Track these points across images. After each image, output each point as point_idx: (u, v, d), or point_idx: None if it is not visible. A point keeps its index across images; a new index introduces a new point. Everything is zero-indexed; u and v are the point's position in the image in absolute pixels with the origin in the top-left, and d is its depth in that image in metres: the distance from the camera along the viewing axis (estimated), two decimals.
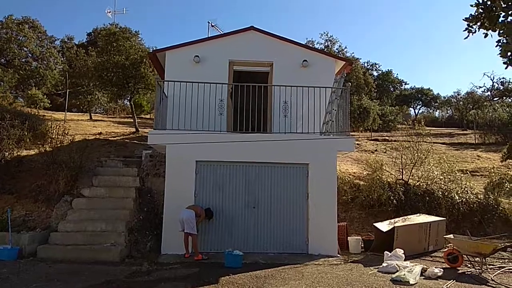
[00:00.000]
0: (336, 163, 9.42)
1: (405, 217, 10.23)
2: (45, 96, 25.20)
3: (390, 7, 70.86)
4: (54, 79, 26.87)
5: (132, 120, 19.50)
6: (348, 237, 9.85)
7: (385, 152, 17.73)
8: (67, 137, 11.76)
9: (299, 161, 9.22)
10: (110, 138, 15.16)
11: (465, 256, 8.06)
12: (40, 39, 29.31)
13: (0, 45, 26.02)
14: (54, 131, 11.61)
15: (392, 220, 9.85)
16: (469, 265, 8.14)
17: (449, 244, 9.96)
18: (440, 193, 11.52)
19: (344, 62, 11.26)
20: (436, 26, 70.87)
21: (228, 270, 7.31)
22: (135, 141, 14.37)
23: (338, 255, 8.96)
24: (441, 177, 12.05)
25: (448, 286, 6.61)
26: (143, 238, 8.98)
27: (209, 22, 16.87)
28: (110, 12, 24.82)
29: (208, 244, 8.77)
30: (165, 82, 10.29)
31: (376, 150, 18.35)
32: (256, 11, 74.56)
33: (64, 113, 24.18)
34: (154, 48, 11.32)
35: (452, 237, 8.51)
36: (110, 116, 30.79)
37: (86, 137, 14.46)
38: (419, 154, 12.18)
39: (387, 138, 23.33)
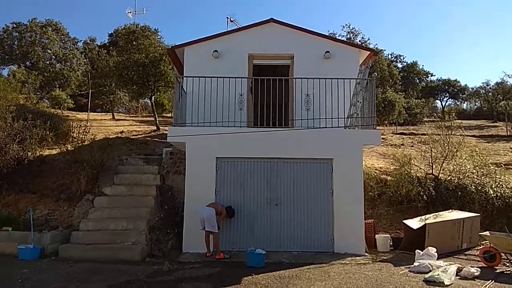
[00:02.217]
0: (362, 158, 8.99)
1: (437, 213, 9.71)
2: (68, 97, 25.66)
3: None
4: (77, 80, 27.34)
5: (153, 119, 19.55)
6: (376, 235, 9.42)
7: (412, 146, 17.08)
8: (88, 136, 11.77)
9: (323, 156, 8.85)
10: (131, 137, 15.16)
11: (503, 254, 7.53)
12: (63, 41, 29.88)
13: (25, 49, 26.68)
14: (76, 130, 11.62)
15: (423, 217, 9.36)
16: (507, 264, 7.61)
17: (484, 242, 9.42)
18: (473, 187, 10.89)
19: (369, 52, 10.80)
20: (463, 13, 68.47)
21: (250, 269, 7.05)
22: (156, 139, 14.32)
23: (366, 253, 8.56)
24: (474, 171, 11.42)
25: (487, 287, 6.15)
26: (164, 237, 8.82)
27: (228, 17, 16.70)
28: (130, 12, 24.98)
29: (230, 243, 8.52)
30: (184, 78, 10.15)
31: (402, 144, 17.70)
32: (276, 5, 73.97)
33: (87, 113, 24.62)
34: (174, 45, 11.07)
35: (489, 234, 7.97)
36: (133, 115, 31.09)
37: (108, 136, 14.47)
38: (450, 147, 11.57)
39: (413, 131, 22.58)
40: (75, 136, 11.60)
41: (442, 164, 11.64)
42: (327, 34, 10.82)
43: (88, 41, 33.93)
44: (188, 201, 8.60)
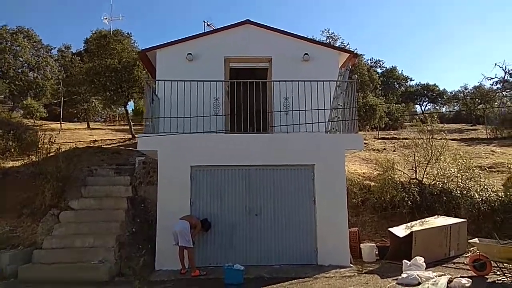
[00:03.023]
0: (345, 163, 8.58)
1: (422, 220, 9.36)
2: (41, 107, 24.63)
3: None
4: (52, 89, 26.33)
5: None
6: (361, 244, 9.00)
7: (394, 151, 16.86)
8: (55, 146, 11.02)
9: (303, 162, 8.38)
10: (104, 146, 14.43)
11: (493, 262, 7.18)
12: (35, 48, 28.82)
13: None
14: (42, 140, 10.87)
15: (409, 224, 8.99)
16: (498, 273, 7.26)
17: (472, 248, 9.11)
18: (458, 192, 10.62)
19: (349, 54, 10.46)
20: (439, 18, 69.87)
21: (228, 287, 6.49)
22: (130, 148, 13.61)
23: (351, 265, 8.10)
24: (458, 175, 11.16)
25: None
26: (136, 253, 8.18)
27: (204, 21, 16.10)
28: (106, 18, 24.26)
29: (206, 258, 7.91)
30: (156, 83, 9.60)
31: (384, 149, 17.48)
32: (256, 12, 74.00)
33: (62, 123, 23.64)
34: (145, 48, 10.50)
35: (478, 241, 7.63)
36: (110, 124, 30.17)
37: (77, 146, 13.69)
38: (433, 151, 11.30)
39: (395, 136, 22.48)
40: (40, 146, 10.82)
41: (425, 168, 11.35)
42: (305, 36, 10.38)
43: (63, 49, 32.95)
44: (161, 214, 7.99)
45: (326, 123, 8.93)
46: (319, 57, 10.22)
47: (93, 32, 15.66)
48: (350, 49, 10.44)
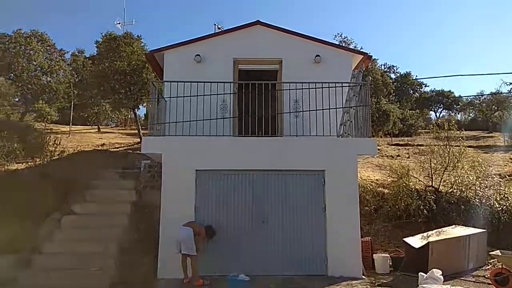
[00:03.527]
0: (357, 169, 8.17)
1: (439, 229, 8.89)
2: (52, 110, 24.71)
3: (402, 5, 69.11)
4: (65, 93, 26.44)
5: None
6: (374, 255, 8.56)
7: (408, 157, 16.35)
8: (61, 149, 10.83)
9: (313, 167, 7.99)
10: (112, 149, 14.26)
11: None
12: (49, 52, 29.05)
13: (8, 60, 25.80)
14: (48, 143, 10.70)
15: (425, 234, 8.52)
16: None
17: (492, 261, 8.60)
18: (477, 200, 10.11)
19: (362, 56, 10.06)
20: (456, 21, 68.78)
21: None
22: (138, 152, 13.40)
23: (363, 276, 7.67)
24: (476, 183, 10.64)
25: None
26: (138, 260, 7.85)
27: (215, 24, 15.87)
28: (119, 23, 24.27)
29: (210, 267, 7.50)
30: (164, 84, 9.38)
31: (398, 155, 16.98)
32: (266, 15, 73.92)
33: (73, 126, 23.69)
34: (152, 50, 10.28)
35: (500, 253, 7.14)
36: (121, 128, 30.19)
37: (86, 149, 13.55)
38: (450, 157, 10.80)
39: (409, 142, 21.93)
40: (46, 149, 10.66)
41: (442, 176, 10.86)
42: (317, 38, 10.03)
43: (77, 53, 33.20)
44: (164, 220, 7.67)
45: (338, 127, 8.57)
46: (331, 59, 9.85)
47: (103, 34, 15.55)
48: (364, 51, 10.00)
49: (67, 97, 25.40)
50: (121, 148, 14.79)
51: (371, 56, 10.13)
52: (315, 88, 8.17)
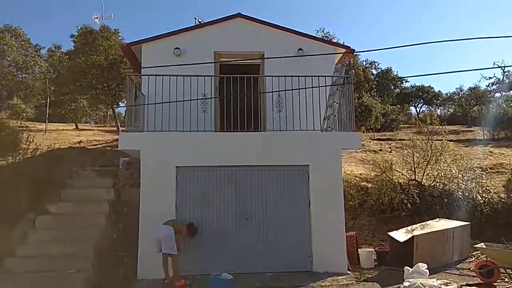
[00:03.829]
0: (341, 164, 8.04)
1: (423, 223, 8.86)
2: (28, 107, 23.93)
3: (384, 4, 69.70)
4: (40, 88, 25.63)
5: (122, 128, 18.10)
6: (359, 249, 8.46)
7: (390, 152, 16.39)
8: (36, 147, 10.36)
9: (297, 162, 7.83)
10: (89, 147, 13.79)
11: (501, 269, 6.68)
12: (24, 47, 28.11)
13: None
14: (21, 141, 10.22)
15: (409, 228, 8.48)
16: (507, 280, 6.76)
17: (475, 253, 8.63)
18: (460, 193, 10.15)
19: (345, 50, 9.95)
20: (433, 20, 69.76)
21: None
22: (116, 149, 12.98)
23: (348, 271, 7.57)
24: (459, 176, 10.70)
25: None
26: (117, 261, 7.57)
27: (195, 18, 15.53)
28: (97, 18, 23.59)
29: (193, 266, 7.24)
30: (142, 78, 9.07)
31: (381, 150, 17.00)
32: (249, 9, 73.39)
33: (50, 123, 22.90)
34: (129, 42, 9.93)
35: (484, 246, 7.14)
36: (100, 125, 29.47)
37: (62, 146, 13.05)
38: (432, 151, 10.81)
39: (390, 137, 22.08)
40: (20, 147, 10.19)
41: (425, 169, 10.87)
42: (300, 31, 9.86)
43: (53, 48, 32.24)
44: (144, 219, 7.38)
45: (321, 121, 8.43)
46: (314, 53, 9.69)
47: (79, 28, 15.00)
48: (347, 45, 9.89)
49: (43, 93, 24.64)
50: (99, 146, 14.31)
51: (354, 50, 10.03)
52: (298, 81, 7.98)
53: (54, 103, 23.39)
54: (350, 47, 9.88)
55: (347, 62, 9.25)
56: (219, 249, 7.48)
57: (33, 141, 10.42)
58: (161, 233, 6.73)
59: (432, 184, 10.60)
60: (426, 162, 10.78)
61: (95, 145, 14.62)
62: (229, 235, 7.57)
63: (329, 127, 8.24)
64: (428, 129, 11.75)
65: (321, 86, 7.88)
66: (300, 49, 9.62)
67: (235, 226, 7.61)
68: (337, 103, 8.31)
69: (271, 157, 7.79)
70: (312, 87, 8.00)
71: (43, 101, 25.94)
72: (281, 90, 8.16)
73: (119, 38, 15.55)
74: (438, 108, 42.16)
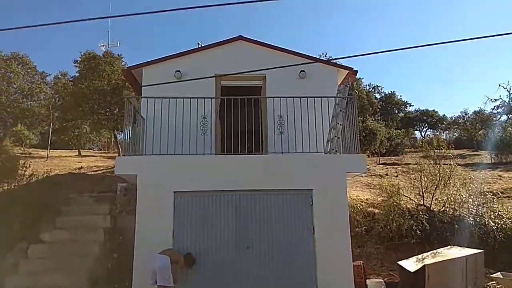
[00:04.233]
0: (346, 188, 7.69)
1: (434, 251, 8.42)
2: (32, 134, 23.92)
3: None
4: (44, 115, 25.71)
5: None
6: (367, 280, 8.01)
7: (396, 176, 16.02)
8: (32, 173, 10.12)
9: (300, 186, 7.47)
10: (89, 173, 13.56)
11: None
12: (30, 75, 28.39)
13: None
14: (17, 167, 10.00)
15: (420, 256, 8.04)
16: None
17: (491, 283, 8.13)
18: (471, 219, 9.70)
19: (348, 71, 9.78)
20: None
21: None
22: (116, 175, 12.74)
23: None
24: (469, 200, 10.28)
25: None
26: None
27: (199, 43, 15.59)
28: (103, 46, 23.84)
29: None
30: (140, 103, 8.88)
31: (386, 174, 16.64)
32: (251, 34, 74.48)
33: (54, 150, 22.85)
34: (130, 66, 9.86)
35: (501, 276, 6.68)
36: (104, 152, 29.40)
37: (61, 173, 12.84)
38: (441, 175, 10.43)
39: (396, 161, 21.73)
40: (19, 173, 9.95)
41: (433, 194, 10.47)
42: (301, 53, 9.74)
43: (60, 76, 32.58)
44: (139, 248, 6.99)
45: (324, 143, 8.17)
46: (316, 74, 9.56)
47: (82, 54, 15.07)
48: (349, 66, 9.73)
49: (46, 120, 24.70)
50: (99, 171, 14.08)
51: (357, 71, 9.86)
52: (300, 102, 7.79)
53: (58, 130, 23.42)
54: (353, 68, 9.71)
55: (350, 83, 9.05)
56: (218, 279, 7.05)
57: (29, 167, 10.18)
58: (156, 263, 6.35)
59: (442, 210, 10.18)
60: (435, 187, 10.39)
61: (95, 171, 14.39)
62: (229, 264, 7.14)
63: (333, 149, 7.95)
64: (436, 152, 11.39)
65: (323, 98, 7.66)
66: (302, 70, 9.47)
67: (235, 255, 7.18)
68: (340, 124, 8.05)
69: (273, 181, 7.46)
70: (315, 108, 7.83)
71: (47, 128, 25.99)
72: (282, 113, 7.93)
73: (122, 63, 15.58)
74: (443, 132, 41.90)
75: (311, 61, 9.82)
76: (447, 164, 11.15)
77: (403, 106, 35.08)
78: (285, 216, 7.39)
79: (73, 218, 8.72)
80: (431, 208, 10.28)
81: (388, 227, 9.58)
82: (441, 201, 10.34)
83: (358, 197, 11.45)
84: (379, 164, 20.53)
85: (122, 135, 20.89)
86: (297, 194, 7.47)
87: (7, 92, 26.19)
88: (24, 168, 9.81)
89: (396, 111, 34.90)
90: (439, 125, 38.81)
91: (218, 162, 7.71)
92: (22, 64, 27.62)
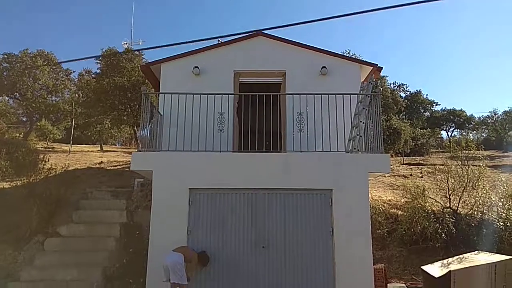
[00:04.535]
0: (368, 188, 7.36)
1: (461, 256, 7.96)
2: (54, 128, 24.38)
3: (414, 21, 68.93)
4: (69, 111, 26.24)
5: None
6: (388, 284, 7.67)
7: (421, 177, 15.47)
8: (50, 167, 10.19)
9: (320, 186, 7.20)
10: (109, 168, 13.63)
11: None
12: (55, 72, 29.00)
13: (13, 79, 25.76)
14: (35, 161, 10.09)
15: (445, 261, 7.63)
16: None
17: None
18: (501, 223, 9.19)
19: (372, 67, 9.40)
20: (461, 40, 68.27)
21: None
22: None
23: None
24: (499, 203, 9.74)
25: None
26: None
27: (219, 40, 15.46)
28: (126, 43, 24.04)
29: None
30: (159, 98, 8.84)
31: (411, 175, 16.09)
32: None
33: (77, 145, 23.22)
34: (148, 62, 9.79)
35: None
36: (125, 147, 29.72)
37: (81, 167, 12.94)
38: (469, 177, 9.93)
39: (421, 162, 21.06)
40: (35, 167, 10.05)
41: (461, 196, 9.98)
42: (323, 48, 9.43)
43: (84, 73, 33.19)
44: (153, 244, 6.89)
45: (346, 142, 7.86)
46: (338, 71, 9.23)
47: (104, 50, 15.18)
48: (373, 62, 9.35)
49: (70, 115, 25.18)
50: (119, 166, 14.14)
51: (381, 67, 9.47)
52: (321, 99, 7.52)
53: (81, 126, 23.83)
54: (377, 64, 9.33)
55: (374, 80, 8.68)
56: (233, 279, 6.87)
57: (48, 161, 10.26)
58: (168, 260, 6.22)
59: (469, 213, 9.69)
60: (462, 189, 9.90)
61: (115, 166, 14.46)
62: (244, 264, 6.95)
63: (355, 148, 7.64)
64: (464, 153, 10.86)
65: (345, 95, 7.35)
66: (323, 67, 9.17)
67: (251, 254, 6.99)
68: (363, 123, 7.73)
69: (291, 180, 7.22)
70: (336, 106, 7.54)
71: (69, 123, 26.50)
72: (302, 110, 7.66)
73: (143, 60, 15.63)
74: (470, 133, 40.54)
75: (333, 56, 9.49)
76: (475, 166, 10.62)
77: (429, 105, 34.01)
78: (303, 217, 7.14)
79: (89, 213, 8.72)
80: (458, 211, 9.80)
81: (412, 230, 9.19)
82: (469, 204, 9.85)
83: (380, 198, 11.06)
84: (403, 164, 19.91)
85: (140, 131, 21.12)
86: (316, 194, 7.20)
87: (33, 88, 26.86)
88: (43, 162, 9.88)
89: (422, 110, 33.88)
90: (467, 125, 37.54)
91: (235, 159, 7.51)
92: (47, 61, 28.25)
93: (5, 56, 26.69)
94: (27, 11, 53.17)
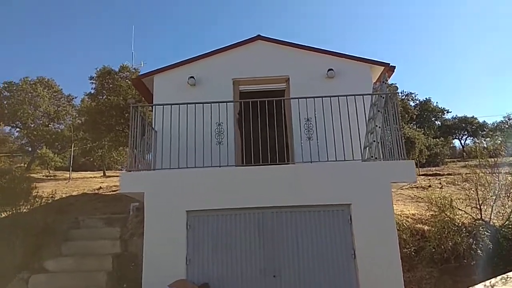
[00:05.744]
0: (392, 201, 6.38)
1: (504, 276, 6.87)
2: (55, 156, 23.79)
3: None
4: (68, 137, 25.72)
5: None
6: None
7: (441, 188, 14.38)
8: (36, 195, 9.35)
9: (336, 201, 6.25)
10: (107, 193, 12.78)
11: None
12: (56, 98, 28.66)
13: (14, 107, 25.43)
14: (24, 189, 9.27)
15: (487, 283, 6.54)
16: None
17: None
18: None
19: (384, 67, 8.57)
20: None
21: None
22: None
23: None
24: None
25: None
26: None
27: None
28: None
29: None
30: (153, 112, 8.06)
31: (430, 186, 15.00)
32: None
33: (80, 172, 22.55)
34: (140, 74, 9.07)
35: None
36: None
37: (75, 193, 12.11)
38: (501, 183, 8.90)
39: (438, 172, 19.98)
40: (27, 196, 9.22)
41: (493, 206, 8.91)
42: (328, 50, 8.64)
43: (86, 98, 32.86)
44: (148, 276, 5.95)
45: (361, 150, 6.95)
46: (346, 73, 8.45)
47: (98, 70, 14.56)
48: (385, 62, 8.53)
49: (71, 141, 24.64)
50: (117, 191, 13.30)
51: (394, 66, 8.63)
52: (330, 102, 6.63)
53: (84, 152, 23.21)
54: (389, 64, 8.49)
55: (387, 79, 7.82)
56: None
57: (36, 188, 9.44)
58: None
59: (505, 224, 8.60)
60: (494, 197, 8.85)
61: (114, 191, 13.62)
62: None
63: (372, 156, 6.71)
64: (494, 160, 9.86)
65: (357, 96, 6.47)
66: (330, 69, 8.35)
67: (260, 285, 5.99)
68: (379, 127, 6.82)
69: (302, 196, 6.27)
70: (348, 110, 6.65)
71: (75, 148, 25.96)
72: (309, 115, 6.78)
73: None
74: (484, 140, 39.26)
75: (340, 57, 8.67)
76: (507, 173, 9.59)
77: (440, 113, 32.98)
78: (319, 238, 6.16)
79: (80, 243, 7.82)
80: (491, 223, 8.72)
81: (442, 247, 8.11)
82: (505, 214, 8.77)
83: (402, 212, 10.00)
84: (419, 175, 18.85)
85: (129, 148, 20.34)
86: (332, 210, 6.24)
87: (34, 116, 26.47)
88: (30, 191, 9.07)
89: (432, 119, 32.85)
90: (480, 132, 36.36)
91: (237, 175, 6.61)
92: (48, 87, 27.97)
93: (6, 85, 26.50)
94: (26, 36, 53.65)
